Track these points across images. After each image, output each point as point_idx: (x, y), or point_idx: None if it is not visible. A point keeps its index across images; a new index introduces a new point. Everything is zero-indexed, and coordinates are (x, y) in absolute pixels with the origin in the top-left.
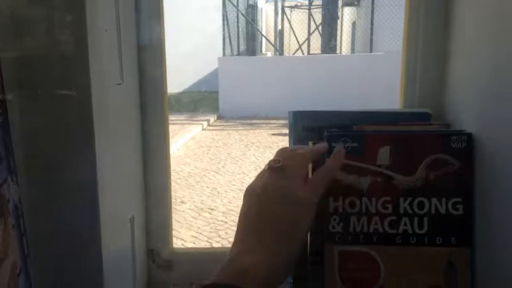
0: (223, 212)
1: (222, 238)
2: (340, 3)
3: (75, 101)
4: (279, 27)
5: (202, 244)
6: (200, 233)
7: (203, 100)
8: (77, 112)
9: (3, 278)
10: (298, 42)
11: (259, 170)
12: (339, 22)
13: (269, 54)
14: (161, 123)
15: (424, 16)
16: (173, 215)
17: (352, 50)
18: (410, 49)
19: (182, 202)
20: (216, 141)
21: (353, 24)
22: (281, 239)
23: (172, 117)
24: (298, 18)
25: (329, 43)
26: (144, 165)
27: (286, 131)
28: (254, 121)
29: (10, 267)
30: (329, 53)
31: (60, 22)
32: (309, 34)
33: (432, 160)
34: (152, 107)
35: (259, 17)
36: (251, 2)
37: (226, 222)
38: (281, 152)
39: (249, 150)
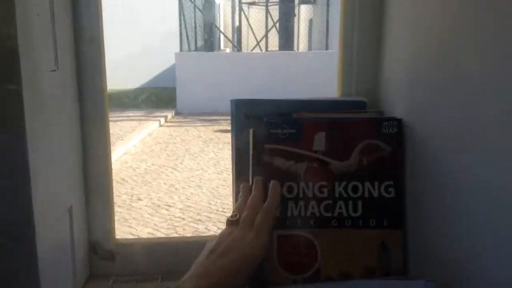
0: (180, 209)
1: (180, 235)
2: (296, 1)
3: (4, 86)
4: (237, 23)
5: None
6: (157, 230)
7: (160, 96)
8: (7, 97)
9: None
10: (256, 38)
11: (217, 166)
12: (296, 19)
13: (228, 50)
14: (100, 111)
15: (359, 11)
16: (130, 213)
17: (309, 47)
18: (346, 42)
19: (139, 199)
20: (174, 137)
21: (310, 22)
22: (226, 271)
23: (129, 113)
24: (256, 15)
25: (287, 40)
26: (83, 154)
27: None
28: (212, 117)
29: None
30: (286, 50)
31: None
32: (267, 31)
33: (365, 145)
34: (91, 95)
35: (216, 13)
36: None
37: (183, 219)
38: (237, 207)
39: (208, 146)
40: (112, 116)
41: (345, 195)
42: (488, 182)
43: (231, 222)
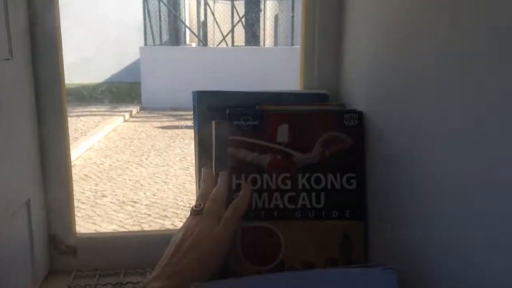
0: (146, 205)
1: None
2: None
3: None
4: (202, 18)
5: None
6: (122, 227)
7: (125, 90)
8: None
9: None
10: (222, 33)
11: (184, 162)
12: (262, 15)
13: (194, 45)
14: (58, 101)
15: (320, 5)
16: (94, 209)
17: (275, 43)
18: (308, 35)
19: (103, 195)
20: (139, 132)
21: (276, 18)
22: (193, 268)
23: (92, 108)
24: (222, 10)
25: (253, 36)
26: (40, 145)
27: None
28: (178, 113)
29: None
30: (252, 45)
31: None
32: (233, 26)
33: (327, 137)
34: (48, 85)
35: (182, 7)
36: None
37: (149, 215)
38: (201, 196)
39: (174, 141)
40: (75, 111)
41: (308, 186)
42: (444, 174)
43: (195, 212)
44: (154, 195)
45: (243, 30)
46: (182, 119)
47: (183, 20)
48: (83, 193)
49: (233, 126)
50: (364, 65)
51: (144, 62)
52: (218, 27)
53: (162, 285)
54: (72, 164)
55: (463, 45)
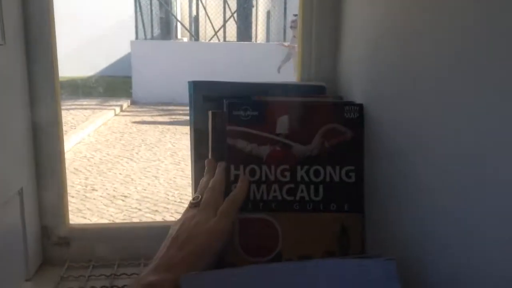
0: (137, 200)
1: None
2: None
3: None
4: (194, 13)
5: None
6: (113, 221)
7: (115, 84)
8: None
9: None
10: (214, 28)
11: (175, 156)
12: (254, 10)
13: (185, 39)
14: (51, 89)
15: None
16: (84, 203)
17: (267, 38)
18: (305, 27)
19: (93, 189)
20: (130, 127)
21: (268, 13)
22: (190, 261)
23: (82, 102)
24: (214, 5)
25: (245, 31)
26: (34, 134)
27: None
28: (169, 107)
29: None
30: (244, 41)
31: None
32: (225, 21)
33: (327, 130)
34: (42, 73)
35: (173, 1)
36: None
37: (140, 210)
38: (200, 188)
39: (165, 136)
40: (65, 104)
41: (306, 179)
42: (442, 168)
43: (193, 205)
44: (144, 189)
45: (235, 25)
46: (173, 113)
47: (175, 14)
48: (73, 186)
49: (232, 116)
50: (362, 58)
51: (135, 56)
52: (210, 22)
53: (159, 277)
54: None
55: (462, 38)
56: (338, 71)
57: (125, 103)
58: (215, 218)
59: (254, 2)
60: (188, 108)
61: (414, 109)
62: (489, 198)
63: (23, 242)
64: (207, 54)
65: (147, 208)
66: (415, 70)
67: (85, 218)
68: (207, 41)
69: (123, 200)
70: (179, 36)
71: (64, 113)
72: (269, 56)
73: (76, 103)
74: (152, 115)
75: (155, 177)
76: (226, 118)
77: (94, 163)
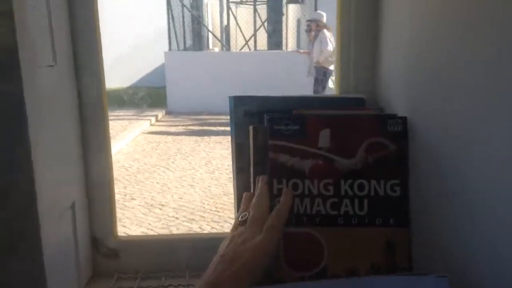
0: (173, 208)
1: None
2: (284, 0)
3: (3, 82)
4: (225, 22)
5: None
6: (151, 230)
7: (151, 95)
8: (7, 94)
9: None
10: (244, 38)
11: (209, 165)
12: (284, 19)
13: (216, 49)
14: (99, 106)
15: (355, 7)
16: (123, 212)
17: (298, 46)
18: (344, 38)
19: (132, 198)
20: (165, 136)
21: (298, 22)
22: (237, 278)
23: (119, 113)
24: (244, 14)
25: (275, 40)
26: (84, 150)
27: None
28: (203, 117)
29: None
30: (275, 49)
31: None
32: (255, 30)
33: (370, 143)
34: (90, 91)
35: (204, 12)
36: None
37: (177, 218)
38: (244, 203)
39: (199, 145)
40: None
41: (350, 193)
42: (493, 179)
43: (241, 222)
44: (181, 198)
45: (266, 34)
46: (206, 123)
47: (206, 24)
48: None
49: (273, 131)
50: (402, 69)
51: (169, 67)
52: (241, 31)
53: None
54: None
55: (510, 45)
56: (378, 82)
57: (160, 113)
58: (261, 234)
59: (284, 11)
60: (220, 117)
61: (460, 122)
62: None
63: (75, 254)
64: (238, 63)
65: (184, 216)
66: (461, 79)
67: (124, 227)
68: (238, 50)
69: (160, 209)
70: (210, 46)
71: None
72: (298, 64)
73: (113, 114)
74: (186, 125)
75: (191, 185)
76: (268, 133)
77: (132, 173)
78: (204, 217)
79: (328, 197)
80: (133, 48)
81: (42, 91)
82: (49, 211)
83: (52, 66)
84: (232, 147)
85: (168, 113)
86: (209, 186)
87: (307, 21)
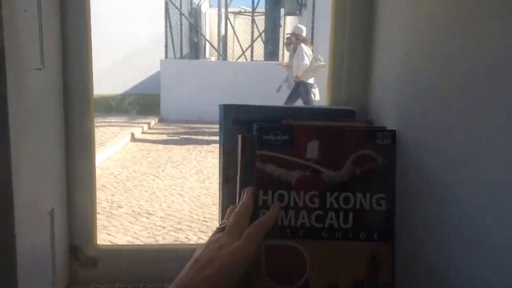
0: (161, 217)
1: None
2: (282, 11)
3: None
4: (223, 32)
5: None
6: (137, 238)
7: (144, 102)
8: None
9: None
10: (241, 48)
11: (200, 174)
12: (281, 30)
13: (213, 58)
14: (86, 112)
15: (349, 21)
16: (110, 220)
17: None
18: (336, 51)
19: (119, 206)
20: (156, 144)
21: None
22: (209, 283)
23: (111, 119)
24: (242, 24)
25: (272, 50)
26: (66, 155)
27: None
28: (196, 125)
29: None
30: (271, 60)
31: None
32: (252, 40)
33: (358, 156)
34: (77, 96)
35: (202, 21)
36: (194, 6)
37: (164, 227)
38: (228, 213)
39: (191, 154)
40: (95, 121)
41: (336, 206)
42: (479, 196)
43: (219, 229)
44: (169, 207)
45: (263, 45)
46: (199, 131)
47: (204, 34)
48: (99, 203)
49: (262, 140)
50: (393, 83)
51: (164, 74)
52: (238, 41)
53: None
54: None
55: (501, 61)
56: (369, 95)
57: (153, 121)
58: (240, 241)
59: (282, 22)
60: (213, 126)
61: (450, 136)
62: None
63: (51, 262)
64: (234, 73)
65: (171, 226)
66: (451, 95)
67: (109, 235)
68: (234, 60)
69: (147, 218)
70: (207, 55)
71: None
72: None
73: (105, 120)
74: (179, 133)
75: (180, 194)
76: (256, 142)
77: (121, 180)
78: (191, 227)
79: (314, 209)
80: (129, 55)
81: (28, 94)
82: (27, 218)
83: (40, 69)
84: (220, 155)
85: (161, 120)
86: (198, 196)
87: (287, 34)
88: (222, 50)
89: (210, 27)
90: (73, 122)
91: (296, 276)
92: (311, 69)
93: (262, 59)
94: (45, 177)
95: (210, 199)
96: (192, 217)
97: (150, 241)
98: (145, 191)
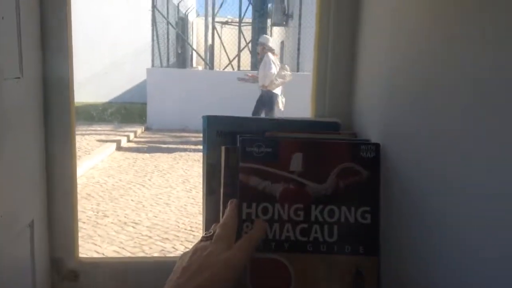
0: (147, 227)
1: (146, 254)
2: (269, 22)
3: None
4: (210, 42)
5: None
6: (123, 248)
7: (131, 111)
8: None
9: None
10: (228, 57)
11: (186, 184)
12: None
13: (200, 68)
14: (66, 122)
15: (333, 34)
16: (95, 230)
17: None
18: (320, 63)
19: (105, 215)
20: (143, 153)
21: (282, 43)
22: None
23: (97, 128)
24: (229, 34)
25: (259, 60)
26: (47, 166)
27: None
28: (182, 134)
29: None
30: (258, 70)
31: None
32: (239, 50)
33: (342, 169)
34: (57, 106)
35: (190, 31)
36: (181, 15)
37: (150, 237)
38: (214, 225)
39: (177, 163)
40: (80, 129)
41: (321, 219)
42: (464, 209)
43: (205, 238)
44: (155, 216)
45: (250, 55)
46: (186, 140)
47: (191, 43)
48: (85, 212)
49: (245, 152)
50: (377, 96)
51: (151, 83)
52: (225, 51)
53: None
54: None
55: (489, 73)
56: (353, 107)
57: (139, 129)
58: (230, 251)
59: (269, 32)
60: (200, 135)
61: (434, 149)
62: None
63: (31, 275)
64: (222, 82)
65: (158, 235)
66: (435, 108)
67: (95, 244)
68: (221, 69)
69: (133, 227)
70: (194, 64)
71: (78, 138)
72: (283, 86)
73: (90, 128)
74: (165, 142)
75: (167, 204)
76: (239, 155)
77: (107, 189)
78: (178, 236)
79: (298, 222)
80: (115, 63)
81: (6, 103)
82: (5, 230)
83: (18, 78)
84: (203, 167)
85: (147, 129)
86: (185, 205)
87: (256, 44)
88: (209, 60)
89: (197, 36)
90: (53, 131)
91: None
92: (278, 77)
93: (249, 68)
94: (24, 188)
95: (197, 208)
96: (179, 226)
97: (136, 251)
98: (132, 200)
